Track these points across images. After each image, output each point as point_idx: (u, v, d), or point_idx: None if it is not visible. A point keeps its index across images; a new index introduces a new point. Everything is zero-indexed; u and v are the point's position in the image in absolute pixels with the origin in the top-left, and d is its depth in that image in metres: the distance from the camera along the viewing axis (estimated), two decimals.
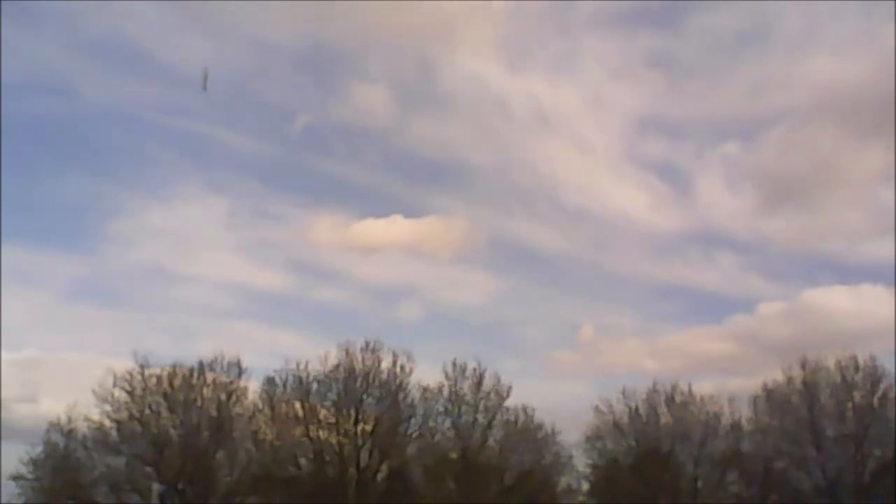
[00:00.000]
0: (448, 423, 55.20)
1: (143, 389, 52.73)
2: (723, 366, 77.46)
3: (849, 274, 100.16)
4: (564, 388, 76.94)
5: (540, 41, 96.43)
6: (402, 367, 53.97)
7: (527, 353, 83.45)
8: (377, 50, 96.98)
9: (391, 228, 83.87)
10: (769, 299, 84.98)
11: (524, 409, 56.28)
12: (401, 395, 53.98)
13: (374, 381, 53.52)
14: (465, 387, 55.17)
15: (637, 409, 57.50)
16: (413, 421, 54.61)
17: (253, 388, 54.97)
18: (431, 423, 55.09)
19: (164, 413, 52.83)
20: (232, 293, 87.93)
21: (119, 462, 52.55)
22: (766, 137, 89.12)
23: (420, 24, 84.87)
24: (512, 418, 55.82)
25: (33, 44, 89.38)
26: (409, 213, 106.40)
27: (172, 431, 52.67)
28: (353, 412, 53.17)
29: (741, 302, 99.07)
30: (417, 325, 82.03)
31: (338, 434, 53.51)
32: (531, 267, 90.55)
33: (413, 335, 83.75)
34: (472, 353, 56.17)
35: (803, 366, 56.40)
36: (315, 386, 53.72)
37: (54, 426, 53.10)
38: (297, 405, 53.68)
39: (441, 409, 55.14)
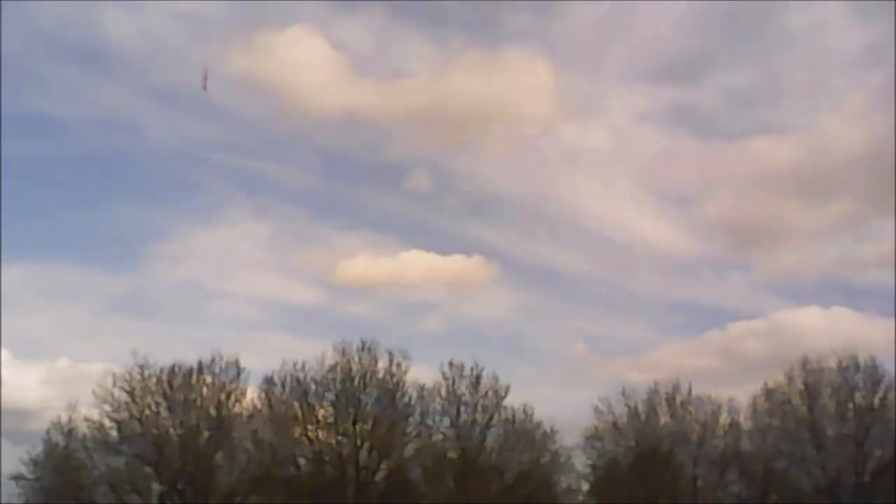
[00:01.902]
0: (446, 422, 55.35)
1: (143, 389, 52.91)
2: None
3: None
4: (577, 395, 78.96)
5: (574, 90, 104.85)
6: (399, 366, 54.25)
7: (543, 363, 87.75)
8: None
9: (426, 261, 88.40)
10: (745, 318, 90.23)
11: (524, 408, 56.35)
12: (398, 395, 54.14)
13: (371, 380, 53.68)
14: (463, 386, 55.31)
15: (636, 409, 57.52)
16: (411, 420, 54.78)
17: (252, 388, 55.25)
18: (429, 423, 55.31)
19: (164, 413, 52.99)
20: (264, 308, 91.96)
21: (119, 462, 52.76)
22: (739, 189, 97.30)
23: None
24: (510, 417, 55.82)
25: (107, 88, 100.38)
26: (444, 243, 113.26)
27: (172, 431, 52.77)
28: (351, 412, 53.27)
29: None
30: (440, 337, 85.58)
31: (336, 434, 53.65)
32: (551, 285, 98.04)
33: (436, 347, 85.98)
34: (490, 362, 56.95)
35: (804, 366, 56.36)
36: (313, 386, 53.93)
37: (54, 426, 53.47)
38: (296, 405, 53.80)
39: (439, 408, 55.36)
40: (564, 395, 77.07)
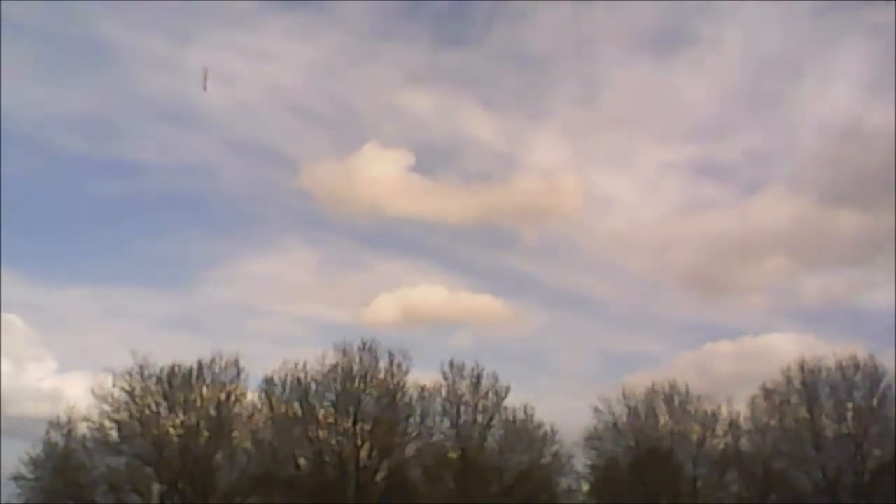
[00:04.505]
0: (447, 422, 55.35)
1: (143, 389, 52.98)
2: None
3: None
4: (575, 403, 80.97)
5: (605, 143, 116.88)
6: (400, 367, 54.30)
7: (544, 374, 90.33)
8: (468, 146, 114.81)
9: (462, 299, 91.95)
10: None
11: (524, 408, 56.39)
12: (398, 395, 54.15)
13: (371, 381, 53.71)
14: (463, 387, 55.41)
15: (636, 409, 57.55)
16: (411, 421, 54.72)
17: (253, 388, 55.26)
18: (430, 423, 55.22)
19: (164, 413, 53.05)
20: (303, 327, 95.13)
21: (119, 462, 52.78)
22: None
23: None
24: (511, 418, 55.86)
25: (187, 139, 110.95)
26: (480, 277, 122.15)
27: (172, 431, 52.85)
28: (351, 412, 53.30)
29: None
30: (466, 351, 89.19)
31: (337, 434, 53.64)
32: (572, 308, 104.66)
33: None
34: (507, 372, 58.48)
35: (802, 366, 56.41)
36: (314, 386, 53.90)
37: (54, 426, 53.37)
38: (297, 405, 53.79)
39: (439, 408, 55.32)
40: (565, 402, 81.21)
